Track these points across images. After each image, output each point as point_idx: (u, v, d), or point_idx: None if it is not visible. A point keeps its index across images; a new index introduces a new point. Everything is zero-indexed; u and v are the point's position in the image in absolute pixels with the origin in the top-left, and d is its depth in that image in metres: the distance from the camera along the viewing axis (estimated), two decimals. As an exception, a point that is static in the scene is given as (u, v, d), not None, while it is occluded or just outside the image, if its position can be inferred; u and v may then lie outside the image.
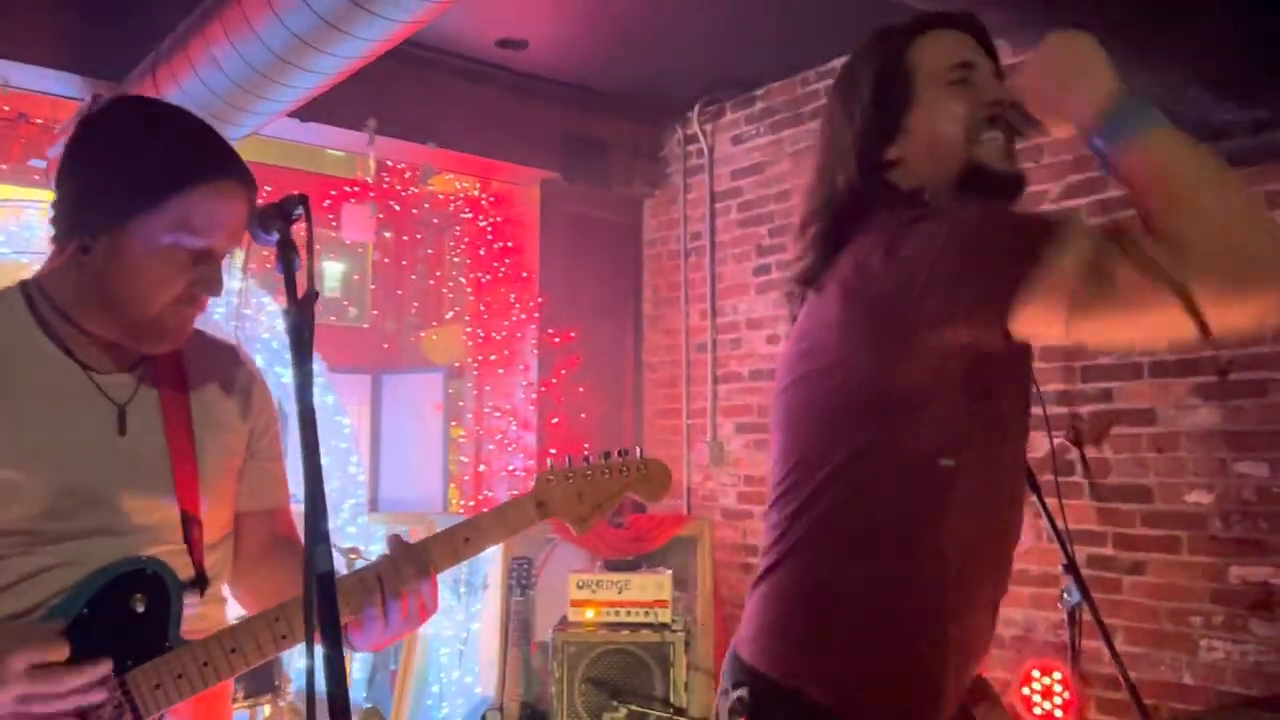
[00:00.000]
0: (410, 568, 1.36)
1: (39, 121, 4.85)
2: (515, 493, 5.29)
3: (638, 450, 1.56)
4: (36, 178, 4.71)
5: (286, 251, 1.26)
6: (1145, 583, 3.51)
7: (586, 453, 1.55)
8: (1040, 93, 1.31)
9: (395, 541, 1.40)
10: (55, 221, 1.37)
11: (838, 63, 4.58)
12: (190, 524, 1.38)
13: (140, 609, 1.30)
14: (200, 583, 1.39)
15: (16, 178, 4.94)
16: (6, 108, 4.69)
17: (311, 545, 1.04)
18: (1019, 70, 1.34)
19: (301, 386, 1.14)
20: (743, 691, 1.43)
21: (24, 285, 1.40)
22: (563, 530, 4.64)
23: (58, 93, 4.08)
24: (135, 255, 1.31)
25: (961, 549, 1.38)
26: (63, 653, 1.22)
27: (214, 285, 1.37)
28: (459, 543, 1.43)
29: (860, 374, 1.35)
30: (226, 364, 1.53)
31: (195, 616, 1.37)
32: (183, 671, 1.28)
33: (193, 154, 1.35)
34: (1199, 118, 3.06)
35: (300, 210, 1.27)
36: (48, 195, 4.65)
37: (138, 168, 1.32)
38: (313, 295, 1.22)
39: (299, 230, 1.27)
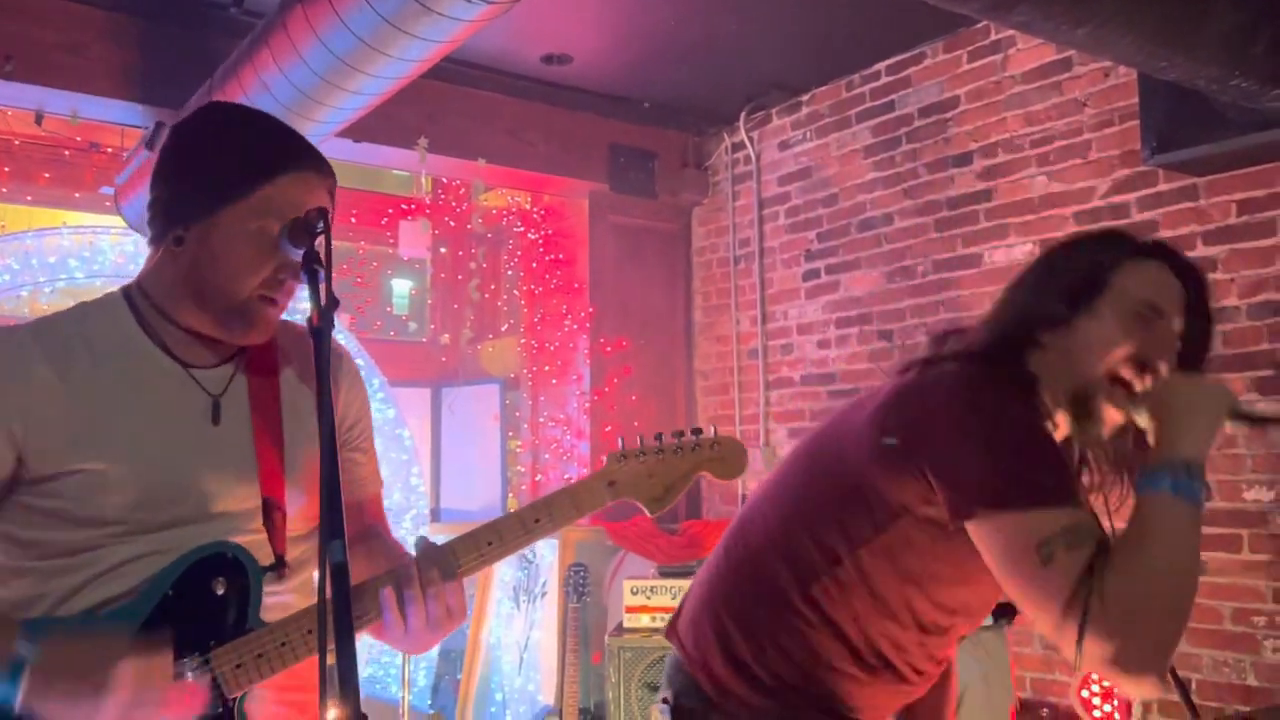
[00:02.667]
0: (433, 571, 1.36)
1: (110, 150, 5.07)
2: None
3: (712, 428, 1.52)
4: (108, 204, 4.91)
5: (312, 263, 1.33)
6: (1206, 582, 3.43)
7: (659, 433, 1.51)
8: (1163, 404, 1.45)
9: (422, 544, 1.40)
10: (151, 222, 1.46)
11: (882, 65, 4.59)
12: (272, 511, 1.42)
13: (221, 591, 1.35)
14: (279, 568, 1.42)
15: (89, 205, 5.16)
16: (79, 138, 4.91)
17: (326, 539, 1.09)
18: (1163, 378, 1.50)
19: (321, 384, 1.19)
20: None
21: (125, 289, 1.48)
22: (618, 537, 4.68)
23: (122, 121, 4.26)
24: (224, 242, 1.39)
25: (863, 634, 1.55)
26: (169, 661, 1.26)
27: (298, 269, 1.40)
28: (530, 523, 1.43)
29: (860, 462, 1.51)
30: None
31: (277, 605, 1.40)
32: (262, 651, 1.32)
33: (277, 147, 1.44)
34: (1246, 107, 3.01)
35: (322, 225, 1.34)
36: (118, 222, 4.86)
37: (227, 161, 1.41)
38: (334, 302, 1.29)
39: (321, 244, 1.34)
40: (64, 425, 1.33)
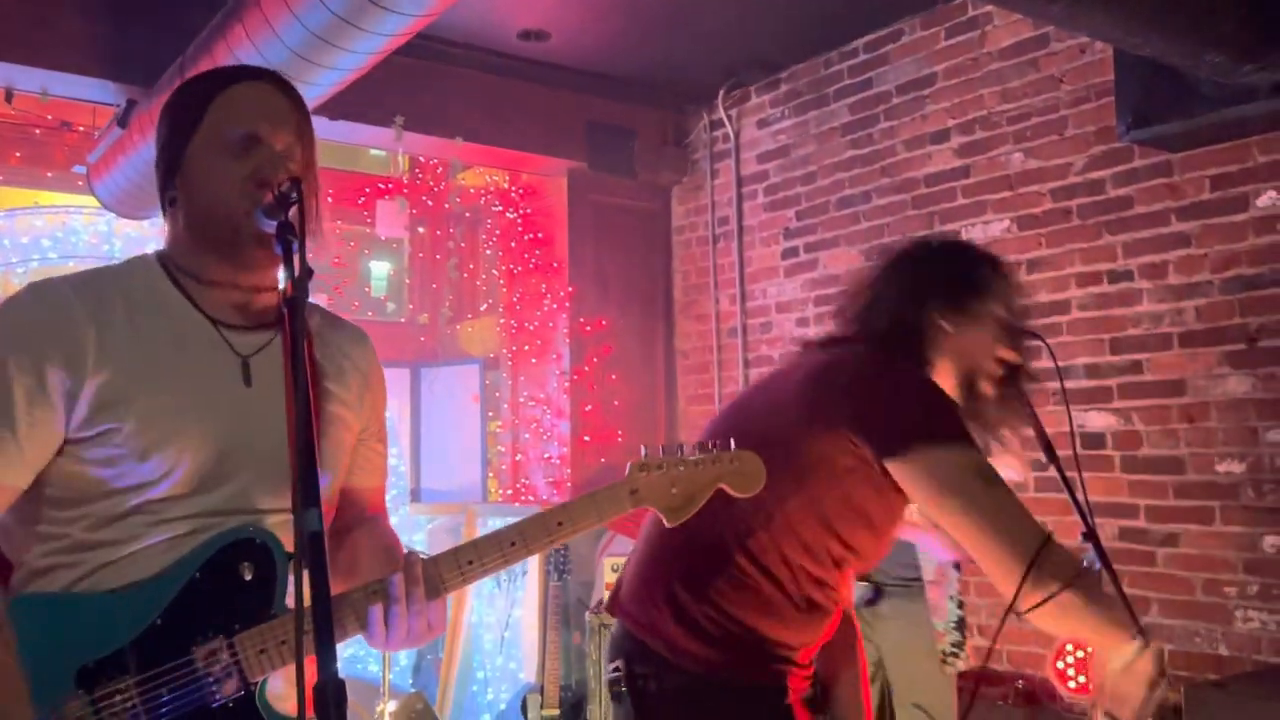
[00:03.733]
0: (417, 590, 1.37)
1: (81, 129, 5.00)
2: (555, 483, 5.28)
3: (731, 443, 1.58)
4: (80, 183, 4.86)
5: (285, 234, 1.32)
6: (1178, 554, 3.48)
7: (682, 443, 1.58)
8: (1117, 685, 1.65)
9: (409, 559, 1.41)
10: (159, 197, 1.49)
11: (860, 42, 4.59)
12: None
13: (248, 577, 1.35)
14: None
15: (61, 185, 5.09)
16: (49, 116, 4.84)
17: (302, 507, 1.09)
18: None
19: (295, 354, 1.19)
20: None
21: (157, 252, 1.50)
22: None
23: (93, 99, 4.21)
24: (200, 169, 1.42)
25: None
26: None
27: (271, 169, 1.40)
28: (552, 526, 1.46)
29: (787, 428, 1.77)
30: (355, 346, 1.59)
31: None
32: (286, 638, 1.32)
33: (224, 70, 1.50)
34: (1219, 82, 3.03)
35: (296, 196, 1.34)
36: (90, 201, 4.80)
37: (183, 102, 1.47)
38: (307, 272, 1.28)
39: (296, 215, 1.34)
40: (108, 381, 1.33)
